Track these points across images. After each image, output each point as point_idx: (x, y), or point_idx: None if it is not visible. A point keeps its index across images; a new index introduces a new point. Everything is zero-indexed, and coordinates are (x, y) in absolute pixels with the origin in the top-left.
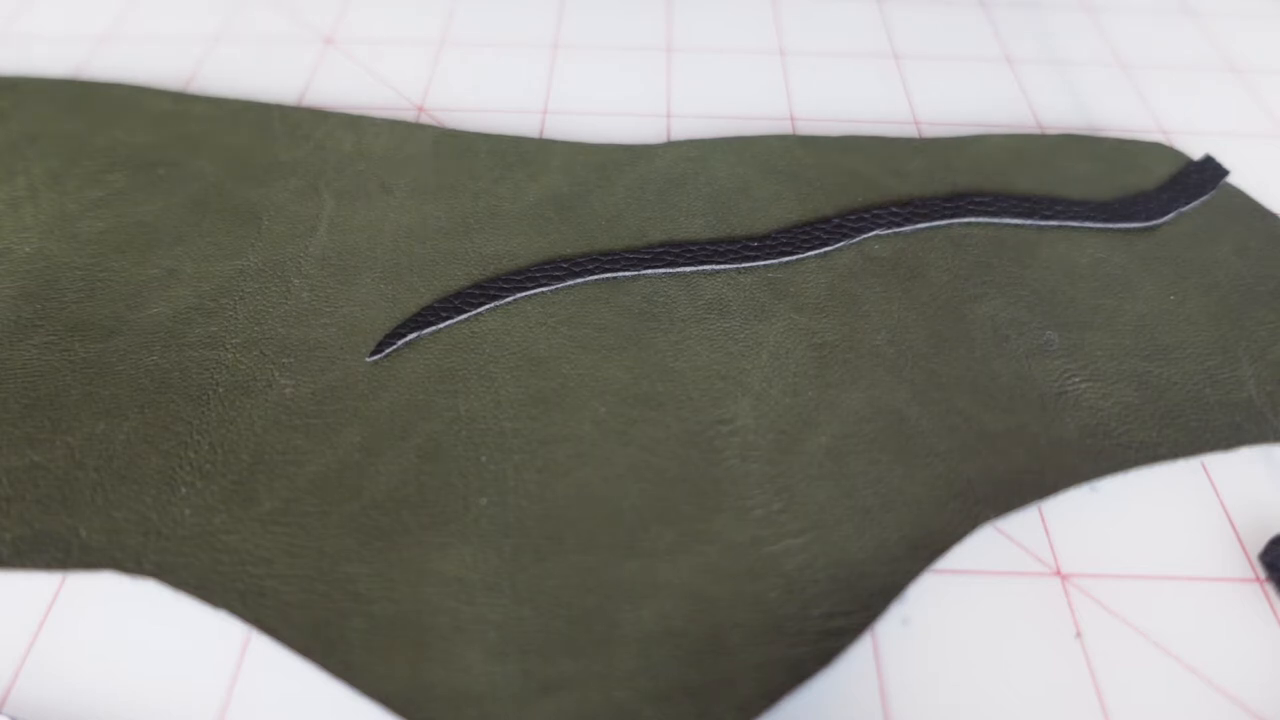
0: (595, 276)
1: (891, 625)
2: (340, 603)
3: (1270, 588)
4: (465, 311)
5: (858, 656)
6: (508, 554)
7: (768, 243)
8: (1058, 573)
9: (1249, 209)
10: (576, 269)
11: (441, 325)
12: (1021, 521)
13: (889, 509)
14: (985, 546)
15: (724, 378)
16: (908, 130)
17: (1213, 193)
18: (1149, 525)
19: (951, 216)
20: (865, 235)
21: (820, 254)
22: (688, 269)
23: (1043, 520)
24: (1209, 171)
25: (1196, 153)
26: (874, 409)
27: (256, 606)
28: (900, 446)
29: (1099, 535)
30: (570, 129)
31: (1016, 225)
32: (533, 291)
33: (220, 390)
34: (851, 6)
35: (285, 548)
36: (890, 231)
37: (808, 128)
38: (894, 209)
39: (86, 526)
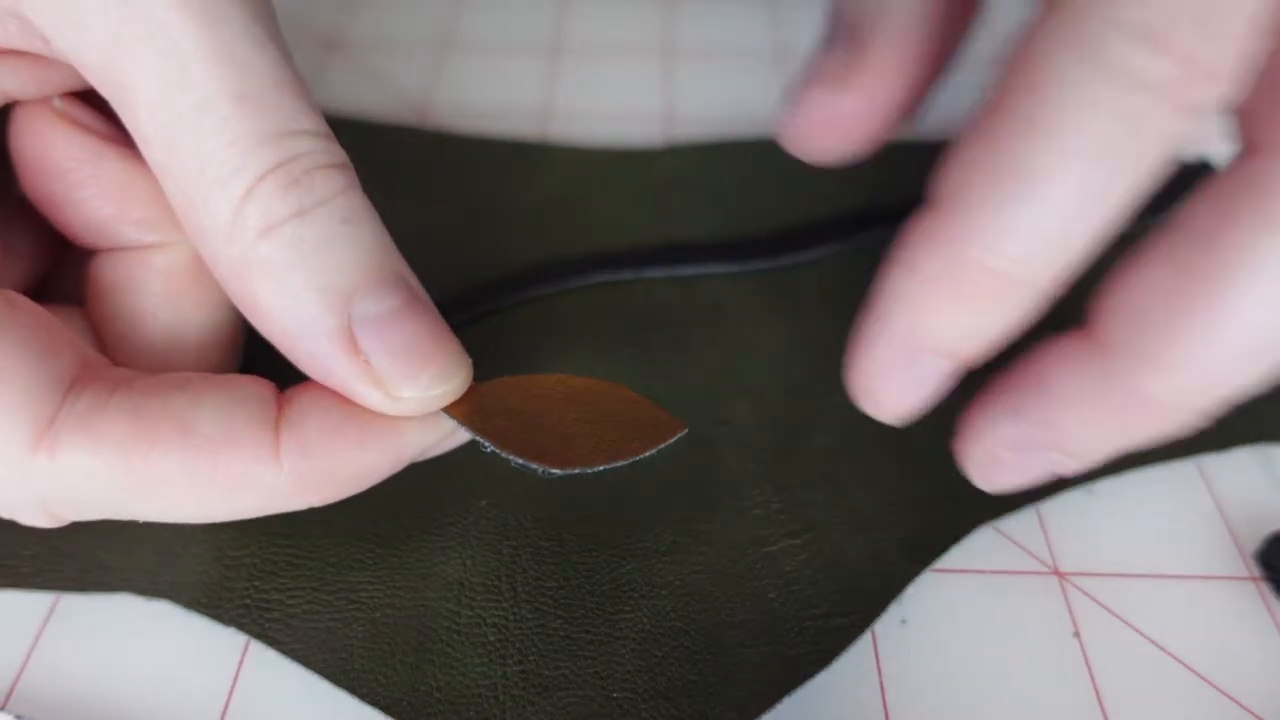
0: (595, 278)
1: (890, 625)
2: (344, 610)
3: (1266, 586)
4: (466, 314)
5: (857, 655)
6: (507, 556)
7: (767, 244)
8: (1056, 572)
9: None
10: (576, 271)
11: None
12: (1020, 521)
13: (887, 510)
14: (984, 546)
15: (723, 379)
16: (906, 133)
17: None
18: (1146, 524)
19: None
20: (864, 236)
21: (819, 255)
22: (688, 270)
23: (1040, 520)
24: (1203, 174)
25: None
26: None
27: (262, 620)
28: (898, 447)
29: (1097, 534)
30: (570, 132)
31: None
32: (533, 293)
33: None
34: None
35: (290, 559)
36: (890, 232)
37: None
38: (892, 209)
39: (104, 547)
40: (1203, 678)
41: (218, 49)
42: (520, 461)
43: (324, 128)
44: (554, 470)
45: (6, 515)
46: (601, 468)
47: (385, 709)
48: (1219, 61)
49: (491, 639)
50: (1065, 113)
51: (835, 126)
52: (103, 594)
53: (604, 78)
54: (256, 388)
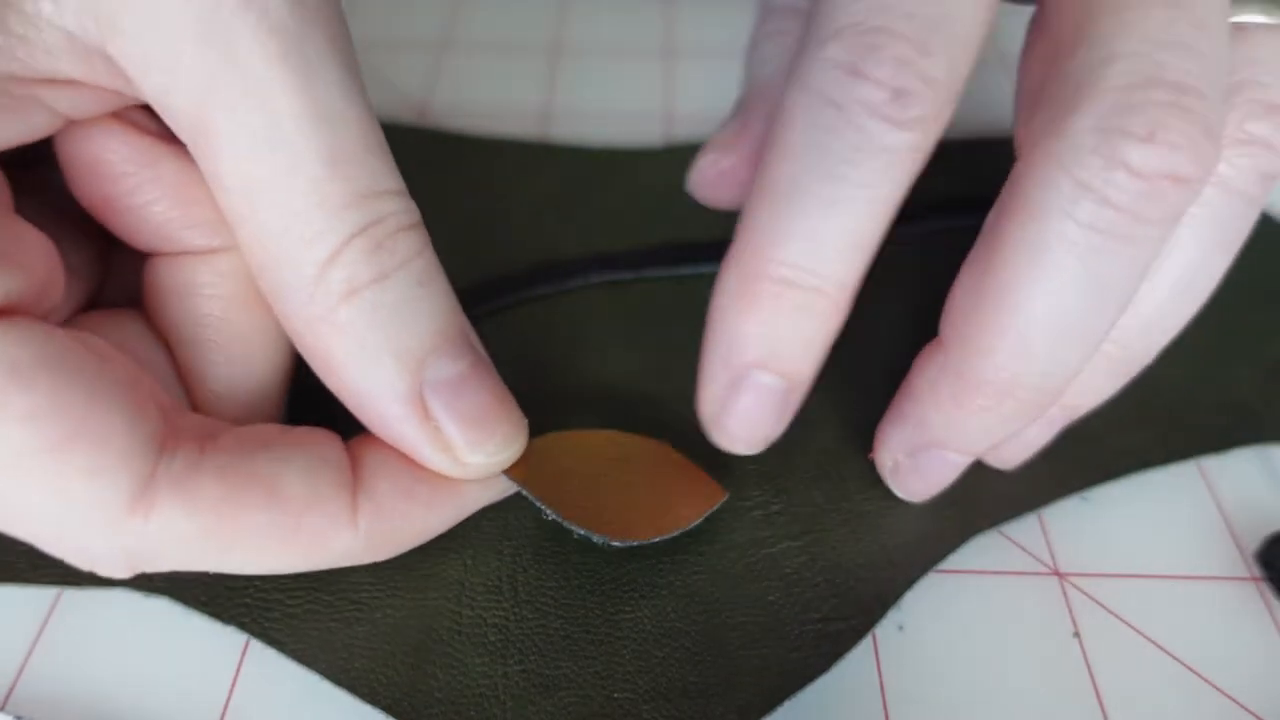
0: (595, 278)
1: (891, 626)
2: (344, 610)
3: (1266, 586)
4: (466, 314)
5: (857, 656)
6: (508, 556)
7: None
8: (1056, 572)
9: None
10: (577, 271)
11: None
12: (1020, 521)
13: (886, 514)
14: (984, 546)
15: None
16: None
17: None
18: (1146, 525)
19: (951, 216)
20: None
21: None
22: (687, 270)
23: (1041, 520)
24: None
25: None
26: (871, 412)
27: (263, 620)
28: None
29: (1097, 535)
30: (570, 131)
31: None
32: (533, 293)
33: None
34: None
35: None
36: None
37: None
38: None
39: None
40: (1203, 678)
41: (313, 109)
42: (582, 532)
43: (403, 185)
44: (614, 543)
45: (87, 567)
46: (656, 539)
47: (385, 709)
48: (930, 96)
49: (492, 639)
50: (814, 147)
51: (725, 180)
52: (102, 592)
53: (604, 78)
54: (334, 450)
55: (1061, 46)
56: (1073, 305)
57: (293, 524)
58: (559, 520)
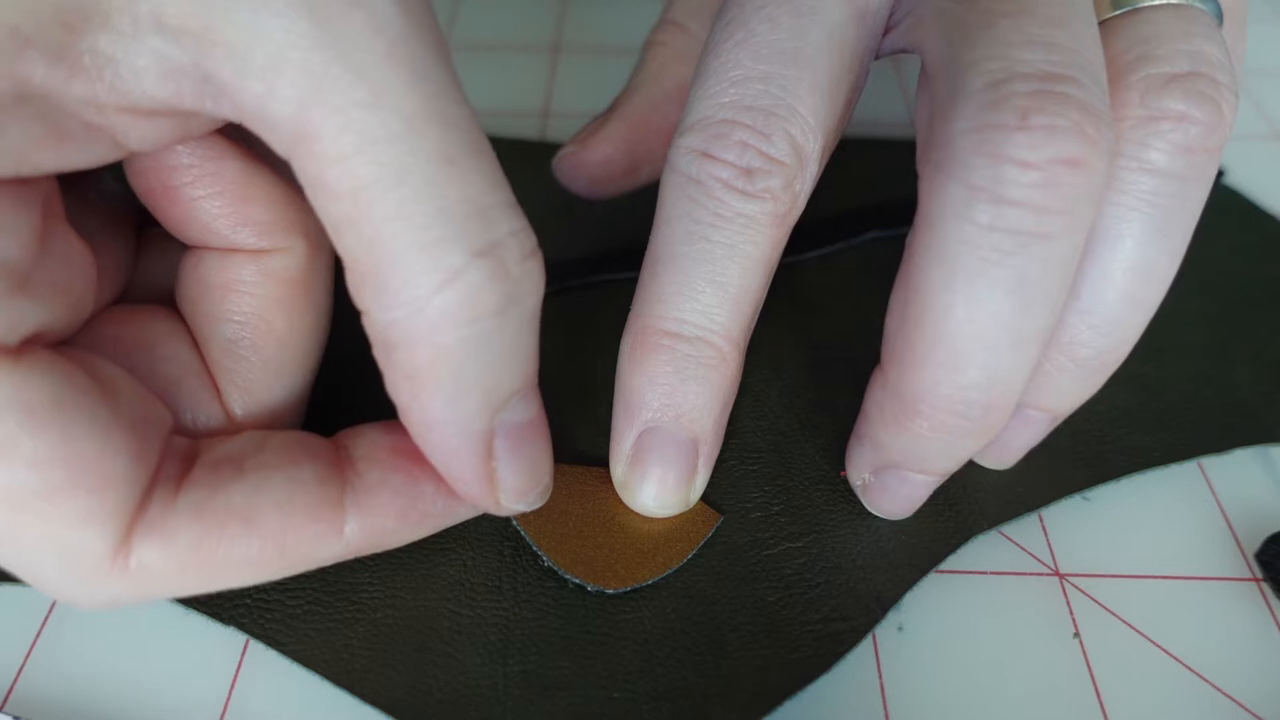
0: (595, 278)
1: (891, 627)
2: (344, 611)
3: (1267, 586)
4: None
5: (857, 657)
6: (508, 556)
7: None
8: (1056, 572)
9: (1244, 209)
10: (577, 271)
11: None
12: (1021, 522)
13: None
14: (985, 547)
15: None
16: (907, 133)
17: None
18: (1147, 525)
19: None
20: (865, 236)
21: (819, 254)
22: None
23: (1041, 520)
24: None
25: None
26: None
27: (264, 621)
28: None
29: (1098, 535)
30: (570, 131)
31: None
32: None
33: None
34: None
35: None
36: (889, 232)
37: None
38: (893, 209)
39: None
40: (1203, 678)
41: (426, 106)
42: (577, 581)
43: (513, 195)
44: (608, 590)
45: (67, 603)
46: (651, 581)
47: (385, 709)
48: (777, 169)
49: (492, 639)
50: (684, 216)
51: (579, 171)
52: None
53: (604, 78)
54: (313, 464)
55: (935, 81)
56: (994, 309)
57: (275, 550)
58: (555, 568)
